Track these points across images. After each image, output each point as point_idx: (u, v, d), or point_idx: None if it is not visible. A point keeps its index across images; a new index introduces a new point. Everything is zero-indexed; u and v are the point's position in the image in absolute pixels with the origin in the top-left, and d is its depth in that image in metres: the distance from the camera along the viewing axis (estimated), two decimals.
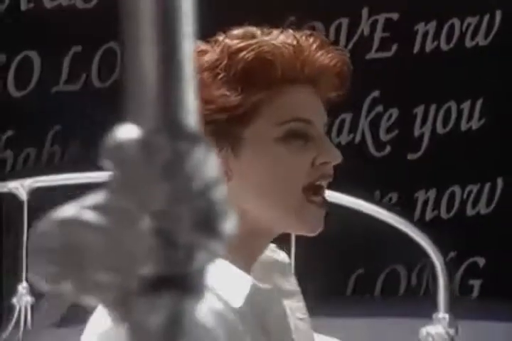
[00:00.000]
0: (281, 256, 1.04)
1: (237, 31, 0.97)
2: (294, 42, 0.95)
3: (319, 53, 0.97)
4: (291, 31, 0.98)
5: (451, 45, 3.93)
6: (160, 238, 0.31)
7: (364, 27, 3.88)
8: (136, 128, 0.31)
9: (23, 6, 3.22)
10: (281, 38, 0.96)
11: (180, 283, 0.32)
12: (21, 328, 2.22)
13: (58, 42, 3.31)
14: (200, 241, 0.31)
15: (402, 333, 2.14)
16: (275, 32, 0.97)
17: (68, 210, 0.33)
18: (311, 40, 0.98)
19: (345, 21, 3.79)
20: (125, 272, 0.32)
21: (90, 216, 0.32)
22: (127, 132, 0.31)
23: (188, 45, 0.30)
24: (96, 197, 0.32)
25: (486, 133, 3.91)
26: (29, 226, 2.03)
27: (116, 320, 0.31)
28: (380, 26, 3.90)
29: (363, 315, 3.20)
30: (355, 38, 3.84)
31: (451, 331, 1.81)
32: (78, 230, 0.33)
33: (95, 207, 0.32)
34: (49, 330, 2.30)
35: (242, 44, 0.94)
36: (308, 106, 0.98)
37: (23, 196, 2.06)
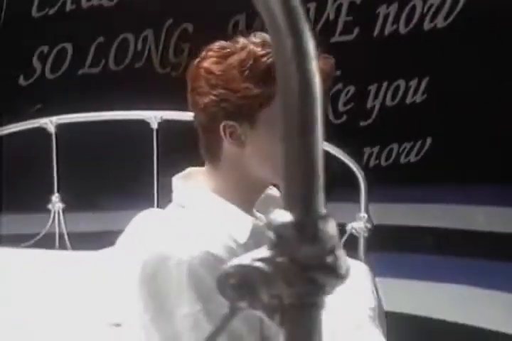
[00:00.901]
0: (274, 190, 1.31)
1: (258, 39, 1.19)
2: None
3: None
4: None
5: (411, 26, 4.35)
6: (306, 280, 0.49)
7: (330, 11, 4.12)
8: (289, 213, 0.49)
9: (68, 8, 3.91)
10: None
11: (316, 305, 0.50)
12: (57, 230, 2.65)
13: (87, 35, 4.01)
14: (330, 282, 0.49)
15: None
16: None
17: (244, 260, 0.50)
18: None
19: (312, 6, 4.01)
20: (282, 298, 0.50)
21: (259, 264, 0.50)
22: (283, 216, 0.49)
23: (320, 158, 0.47)
24: (263, 253, 0.49)
25: (425, 105, 4.49)
26: (57, 152, 2.47)
27: (276, 325, 0.49)
28: (344, 10, 4.13)
29: None
30: (322, 22, 4.13)
31: (369, 225, 2.26)
32: (251, 272, 0.50)
33: (262, 259, 0.50)
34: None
35: (263, 51, 1.17)
36: None
37: (52, 129, 2.48)
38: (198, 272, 1.13)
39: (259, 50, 1.18)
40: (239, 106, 1.19)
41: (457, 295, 3.86)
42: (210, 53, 1.21)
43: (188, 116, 2.56)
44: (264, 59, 1.17)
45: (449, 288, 3.93)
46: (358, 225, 2.29)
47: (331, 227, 0.48)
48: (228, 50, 1.21)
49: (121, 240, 2.42)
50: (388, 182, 4.82)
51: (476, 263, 4.20)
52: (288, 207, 0.48)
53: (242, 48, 1.20)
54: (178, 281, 1.14)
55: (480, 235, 4.71)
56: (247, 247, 1.18)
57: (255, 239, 1.20)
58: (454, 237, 4.68)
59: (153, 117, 2.33)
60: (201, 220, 1.22)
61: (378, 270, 2.45)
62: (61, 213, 2.60)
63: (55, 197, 2.62)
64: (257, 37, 1.21)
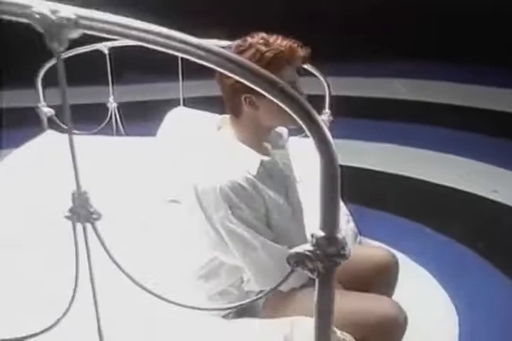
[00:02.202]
0: (278, 128, 1.85)
1: (261, 40, 1.62)
2: (289, 45, 1.62)
3: (299, 50, 1.63)
4: (285, 39, 1.65)
5: None
6: (330, 261, 0.94)
7: None
8: (322, 231, 0.93)
9: None
10: (284, 43, 1.63)
11: (334, 271, 0.96)
12: (113, 123, 3.24)
13: None
14: (342, 261, 0.94)
15: None
16: (279, 39, 1.64)
17: (299, 249, 0.96)
18: (296, 43, 1.63)
19: None
20: (318, 267, 0.96)
21: (307, 253, 0.95)
22: (319, 232, 0.93)
23: (339, 204, 0.91)
24: (309, 248, 0.94)
25: None
26: (111, 66, 3.07)
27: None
28: None
29: None
30: None
31: (331, 118, 3.06)
32: (303, 256, 0.96)
33: (309, 251, 0.94)
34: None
35: (266, 49, 1.60)
36: (292, 75, 1.67)
37: (106, 51, 3.06)
38: (228, 194, 1.60)
39: (263, 48, 1.61)
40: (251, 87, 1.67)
41: (391, 152, 4.53)
42: (231, 50, 1.63)
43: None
44: (267, 54, 1.60)
45: (385, 146, 4.62)
46: (324, 118, 3.04)
47: (343, 235, 0.94)
48: (242, 48, 1.63)
49: (161, 132, 2.89)
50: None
51: (402, 126, 4.96)
52: (322, 227, 0.92)
53: (251, 46, 1.62)
54: (216, 199, 1.61)
55: (403, 103, 5.56)
56: (258, 176, 1.66)
57: (264, 170, 1.70)
58: (389, 105, 5.49)
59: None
60: (228, 159, 1.67)
61: (340, 133, 3.17)
62: (116, 109, 3.19)
63: (111, 99, 3.24)
64: (259, 37, 1.64)
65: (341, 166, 3.38)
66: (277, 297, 1.77)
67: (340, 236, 0.91)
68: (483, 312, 2.64)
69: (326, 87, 2.99)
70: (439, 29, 6.39)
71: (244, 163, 1.66)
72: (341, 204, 2.64)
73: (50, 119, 3.17)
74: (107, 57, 2.98)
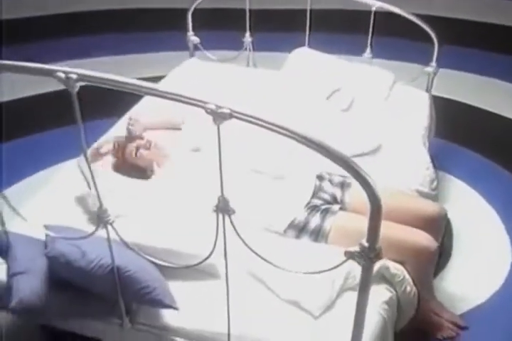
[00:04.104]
0: None
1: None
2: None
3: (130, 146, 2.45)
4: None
5: None
6: (371, 261, 1.42)
7: None
8: (366, 242, 1.40)
9: None
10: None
11: (372, 265, 1.45)
12: (248, 54, 3.46)
13: None
14: (377, 261, 1.43)
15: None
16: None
17: (352, 249, 1.45)
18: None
19: None
20: (363, 263, 1.45)
21: (356, 253, 1.45)
22: (365, 243, 1.40)
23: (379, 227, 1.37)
24: (358, 250, 1.43)
25: None
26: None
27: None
28: None
29: None
30: None
31: (436, 70, 3.22)
32: (353, 255, 1.45)
33: (358, 252, 1.44)
34: None
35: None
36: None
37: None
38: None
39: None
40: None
41: (491, 87, 4.38)
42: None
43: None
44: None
45: (487, 80, 4.43)
46: (430, 69, 3.24)
47: (379, 245, 1.41)
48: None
49: (285, 69, 3.23)
50: None
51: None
52: (367, 240, 1.40)
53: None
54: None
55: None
56: None
57: None
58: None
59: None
60: None
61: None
62: (250, 44, 3.46)
63: (247, 34, 3.48)
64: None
65: (435, 97, 3.63)
66: (340, 226, 2.13)
67: (378, 246, 1.39)
68: None
69: (436, 41, 3.09)
70: None
71: None
72: (425, 151, 2.88)
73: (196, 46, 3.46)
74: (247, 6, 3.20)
